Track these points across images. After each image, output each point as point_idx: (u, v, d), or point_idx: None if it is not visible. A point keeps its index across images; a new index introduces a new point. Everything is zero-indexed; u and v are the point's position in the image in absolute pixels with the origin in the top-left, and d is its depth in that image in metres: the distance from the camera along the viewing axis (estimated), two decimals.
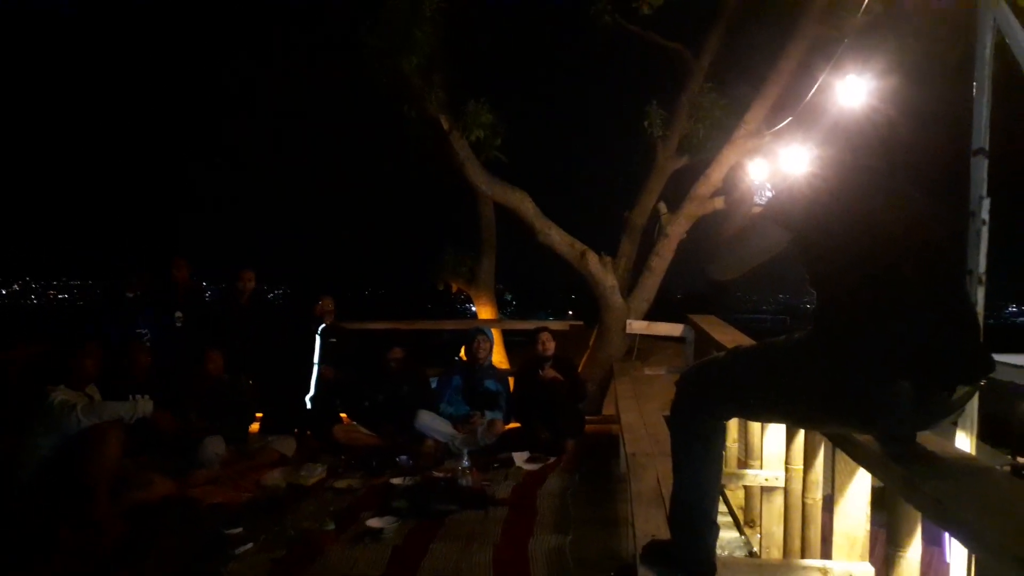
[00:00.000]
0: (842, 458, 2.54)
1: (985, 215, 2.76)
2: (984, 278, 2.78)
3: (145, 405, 4.32)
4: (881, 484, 2.23)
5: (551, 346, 6.08)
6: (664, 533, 2.15)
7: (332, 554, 3.53)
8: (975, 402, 2.65)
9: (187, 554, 3.54)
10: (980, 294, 2.78)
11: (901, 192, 1.75)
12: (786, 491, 3.45)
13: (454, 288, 9.67)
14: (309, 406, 6.00)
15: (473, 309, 9.92)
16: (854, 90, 2.48)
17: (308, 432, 5.76)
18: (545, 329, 6.21)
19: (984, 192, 2.79)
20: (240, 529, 3.75)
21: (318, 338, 6.14)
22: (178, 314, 5.70)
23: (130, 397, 4.34)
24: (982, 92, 2.85)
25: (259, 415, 5.87)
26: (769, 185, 2.18)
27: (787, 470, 3.41)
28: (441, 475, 4.79)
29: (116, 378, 4.66)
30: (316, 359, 6.10)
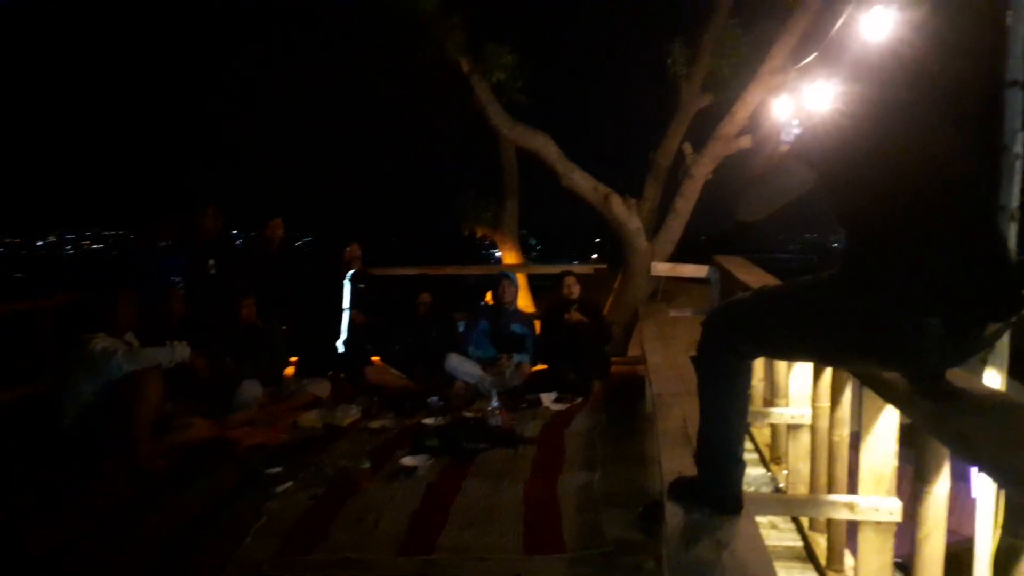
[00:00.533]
0: (869, 395, 2.56)
1: (1019, 148, 2.70)
2: (1017, 213, 2.74)
3: (182, 350, 4.43)
4: (908, 421, 2.25)
5: (576, 290, 6.10)
6: (691, 471, 2.18)
7: (368, 491, 3.65)
8: (1006, 339, 2.64)
9: (228, 493, 3.68)
10: (1013, 230, 2.75)
11: (929, 126, 1.72)
12: (813, 429, 3.47)
13: (479, 234, 9.68)
14: (341, 350, 6.11)
15: (498, 254, 9.94)
16: (880, 22, 2.41)
17: (341, 375, 5.89)
18: (570, 273, 6.22)
19: (1019, 125, 2.73)
20: (280, 468, 3.89)
21: (347, 284, 6.23)
22: (211, 261, 5.78)
23: (167, 343, 4.45)
24: (1019, 21, 2.76)
25: (294, 359, 6.01)
26: (796, 122, 2.14)
27: (814, 408, 3.43)
28: (471, 415, 4.89)
29: (152, 325, 4.77)
30: (346, 304, 6.19)
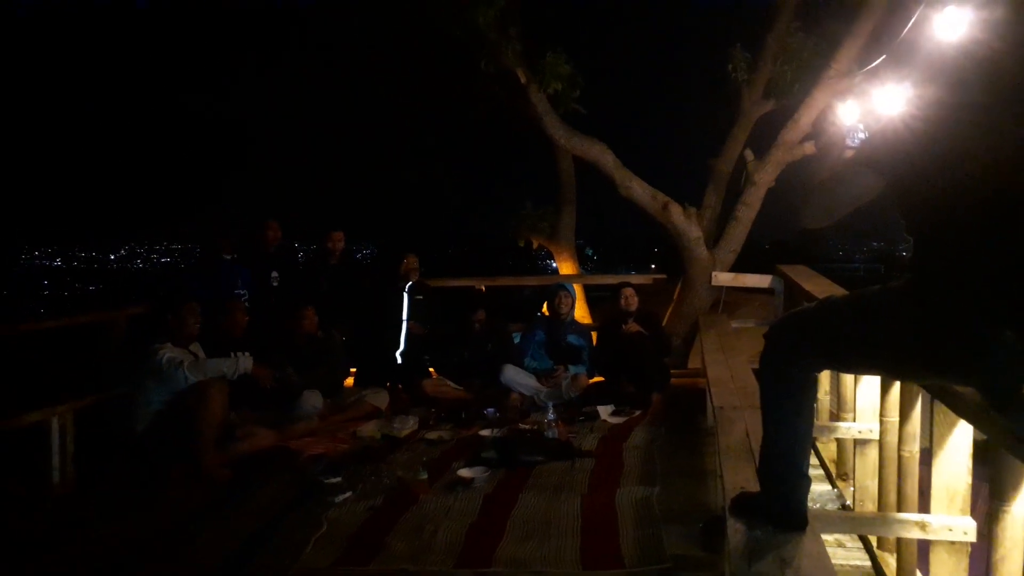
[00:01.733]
0: (941, 410, 2.46)
1: None
2: None
3: (245, 361, 4.53)
4: (983, 436, 2.16)
5: (634, 301, 6.04)
6: (753, 486, 2.14)
7: (426, 502, 3.67)
8: None
9: (289, 502, 3.74)
10: None
11: (1005, 130, 1.64)
12: (881, 444, 3.36)
13: (535, 244, 9.68)
14: (399, 361, 6.17)
15: (554, 265, 9.92)
16: (954, 22, 2.33)
17: (399, 386, 5.94)
18: (628, 284, 6.17)
19: None
20: (339, 479, 3.94)
21: (405, 295, 6.29)
22: (274, 274, 5.92)
23: (231, 354, 4.56)
24: None
25: (353, 370, 6.09)
26: (862, 127, 2.08)
27: (882, 422, 3.32)
28: (528, 427, 4.87)
29: (217, 336, 4.90)
30: (404, 316, 6.25)
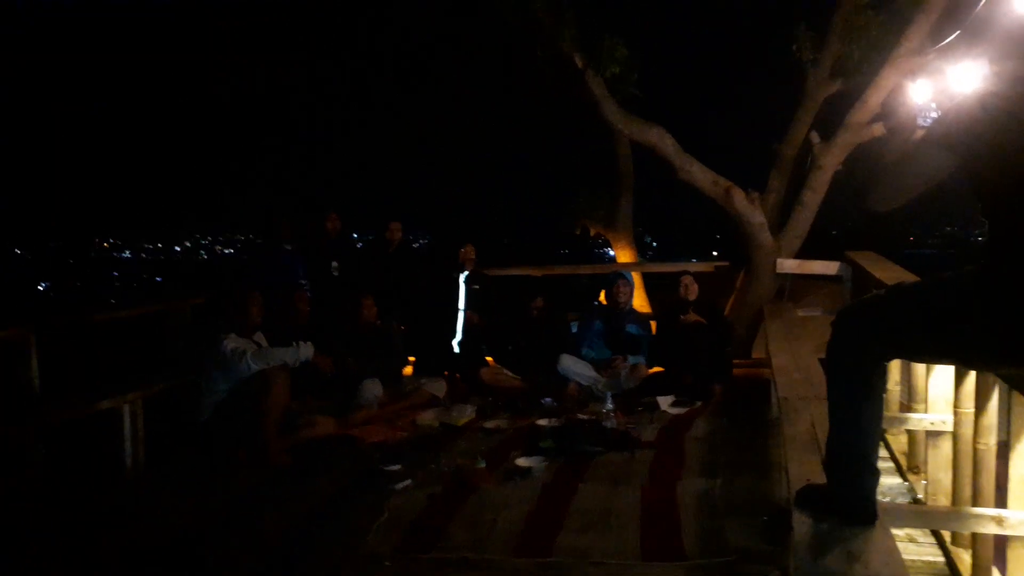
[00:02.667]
0: (1020, 401, 2.36)
1: None
2: None
3: (307, 350, 4.61)
4: None
5: (694, 289, 5.93)
6: (819, 478, 2.08)
7: (485, 491, 3.67)
8: None
9: (350, 489, 3.80)
10: None
11: None
12: (955, 436, 3.23)
13: (592, 232, 9.60)
14: (457, 350, 6.21)
15: (611, 253, 9.83)
16: None
17: (457, 375, 5.98)
18: (687, 273, 6.06)
19: None
20: (399, 467, 3.98)
21: (462, 285, 6.32)
22: (334, 264, 6.01)
23: (293, 343, 4.64)
24: None
25: (412, 359, 6.15)
26: (934, 106, 1.99)
27: (956, 414, 3.19)
28: (585, 417, 4.84)
29: (280, 325, 5.00)
30: (461, 305, 6.29)
